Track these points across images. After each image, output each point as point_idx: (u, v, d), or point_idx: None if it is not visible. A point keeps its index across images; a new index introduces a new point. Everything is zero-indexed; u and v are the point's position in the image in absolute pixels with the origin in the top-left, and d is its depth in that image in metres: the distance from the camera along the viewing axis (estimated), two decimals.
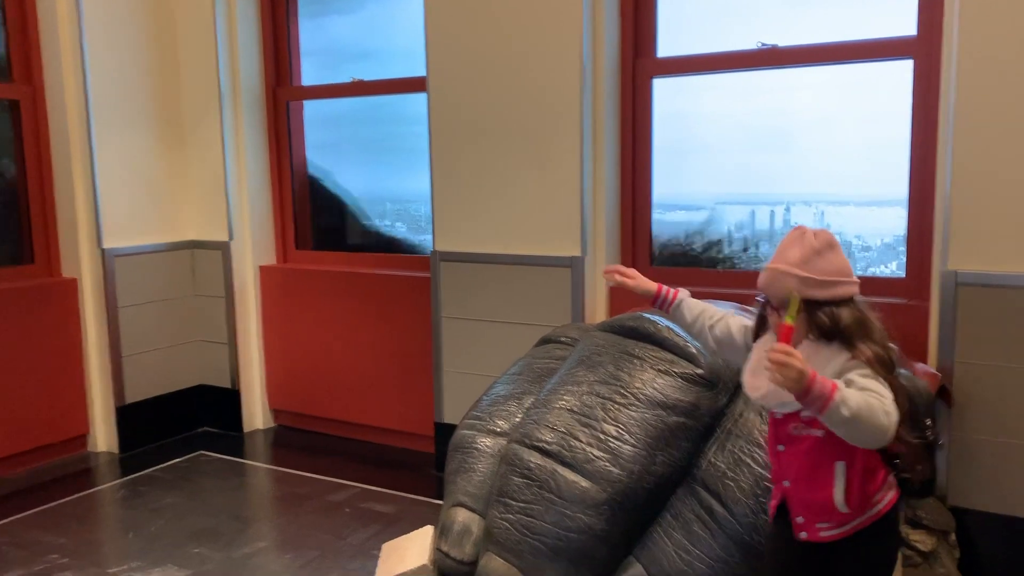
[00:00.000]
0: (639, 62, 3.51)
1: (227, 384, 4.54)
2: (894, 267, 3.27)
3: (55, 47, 4.05)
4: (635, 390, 2.46)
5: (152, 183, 4.36)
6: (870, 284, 3.16)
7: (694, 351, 2.48)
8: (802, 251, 1.69)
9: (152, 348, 4.38)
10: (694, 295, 3.30)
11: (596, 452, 2.37)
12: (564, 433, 2.43)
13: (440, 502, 3.55)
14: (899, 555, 2.51)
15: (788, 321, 1.62)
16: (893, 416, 1.56)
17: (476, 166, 3.65)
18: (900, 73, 3.07)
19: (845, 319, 1.68)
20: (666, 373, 2.46)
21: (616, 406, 2.43)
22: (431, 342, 3.90)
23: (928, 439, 1.92)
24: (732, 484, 2.34)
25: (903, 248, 3.12)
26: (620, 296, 3.50)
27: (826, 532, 1.77)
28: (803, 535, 1.79)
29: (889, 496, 1.79)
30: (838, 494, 1.73)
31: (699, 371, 2.46)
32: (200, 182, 4.47)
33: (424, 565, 2.62)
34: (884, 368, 1.65)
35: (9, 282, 4.03)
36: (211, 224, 4.46)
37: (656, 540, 2.39)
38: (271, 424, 4.68)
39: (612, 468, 2.34)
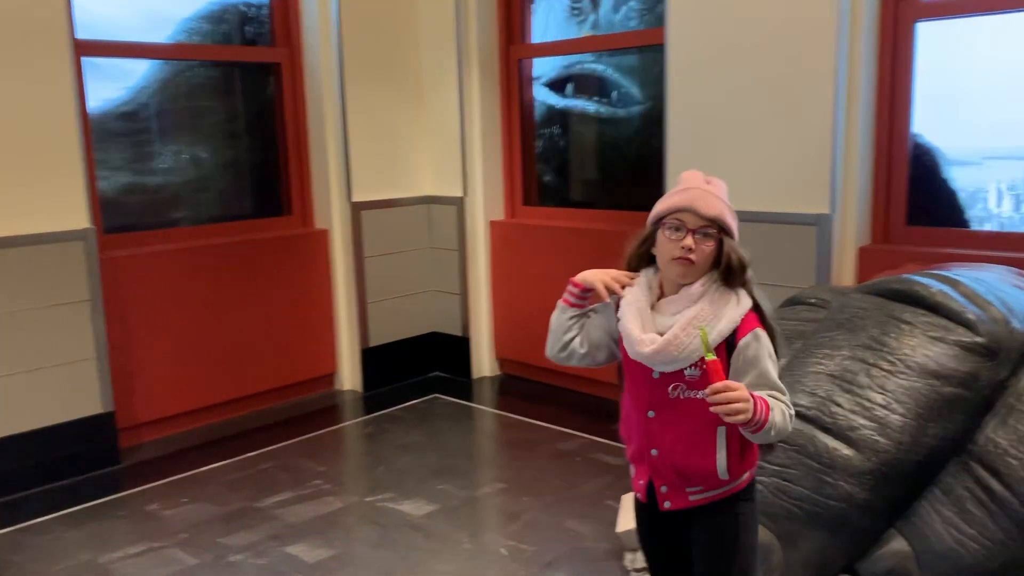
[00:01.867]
0: (901, 5, 3.26)
1: (458, 332, 4.77)
2: None
3: (312, 13, 4.34)
4: (904, 356, 2.32)
5: (394, 141, 4.60)
6: None
7: (972, 317, 2.31)
8: (719, 187, 1.66)
9: (393, 296, 4.66)
10: (954, 258, 3.10)
11: (860, 420, 2.27)
12: (823, 398, 2.35)
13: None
14: None
15: (710, 357, 1.54)
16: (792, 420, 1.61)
17: (716, 118, 3.54)
18: None
19: (747, 260, 1.63)
20: (940, 340, 2.30)
21: (883, 373, 2.31)
22: None
23: None
24: (1015, 463, 2.17)
25: None
26: (871, 258, 3.31)
27: (696, 496, 1.68)
28: (667, 504, 1.70)
29: (756, 464, 1.74)
30: (721, 461, 1.64)
31: (978, 339, 2.28)
32: (437, 140, 4.67)
33: None
34: (773, 330, 1.63)
35: (269, 232, 4.42)
36: (447, 180, 4.66)
37: (923, 515, 2.27)
38: (497, 372, 4.87)
39: (879, 438, 2.24)
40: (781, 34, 3.33)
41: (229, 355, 4.20)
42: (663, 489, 1.70)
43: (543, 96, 4.68)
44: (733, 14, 3.44)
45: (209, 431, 4.09)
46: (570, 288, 1.78)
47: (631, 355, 1.65)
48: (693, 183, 1.64)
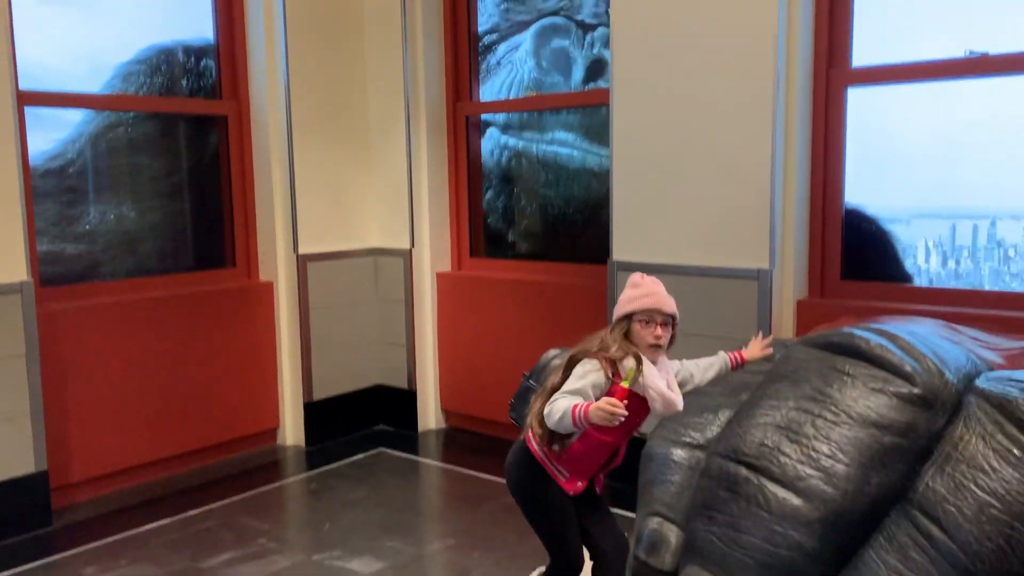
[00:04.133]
0: (833, 71, 3.44)
1: (404, 385, 4.74)
2: None
3: (259, 66, 4.36)
4: (846, 408, 2.40)
5: (342, 193, 4.62)
6: None
7: (910, 370, 2.41)
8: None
9: (338, 349, 4.63)
10: (887, 311, 3.24)
11: (808, 469, 2.33)
12: (771, 448, 2.41)
13: (618, 511, 3.59)
14: None
15: (625, 385, 2.09)
16: None
17: (660, 176, 3.66)
18: None
19: None
20: (880, 392, 2.39)
21: (827, 423, 2.39)
22: None
23: None
24: (953, 510, 2.25)
25: None
26: (808, 311, 3.44)
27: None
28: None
29: None
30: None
31: (916, 391, 2.38)
32: (384, 193, 4.70)
33: None
34: None
35: (212, 284, 4.36)
36: (394, 232, 4.68)
37: (868, 562, 2.33)
38: (443, 425, 4.85)
39: (825, 487, 2.30)
40: (721, 97, 3.47)
41: (169, 410, 4.10)
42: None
43: (490, 151, 4.76)
44: (676, 76, 3.58)
45: (147, 489, 3.96)
46: (584, 424, 2.11)
47: (659, 406, 2.19)
48: (656, 288, 2.23)
